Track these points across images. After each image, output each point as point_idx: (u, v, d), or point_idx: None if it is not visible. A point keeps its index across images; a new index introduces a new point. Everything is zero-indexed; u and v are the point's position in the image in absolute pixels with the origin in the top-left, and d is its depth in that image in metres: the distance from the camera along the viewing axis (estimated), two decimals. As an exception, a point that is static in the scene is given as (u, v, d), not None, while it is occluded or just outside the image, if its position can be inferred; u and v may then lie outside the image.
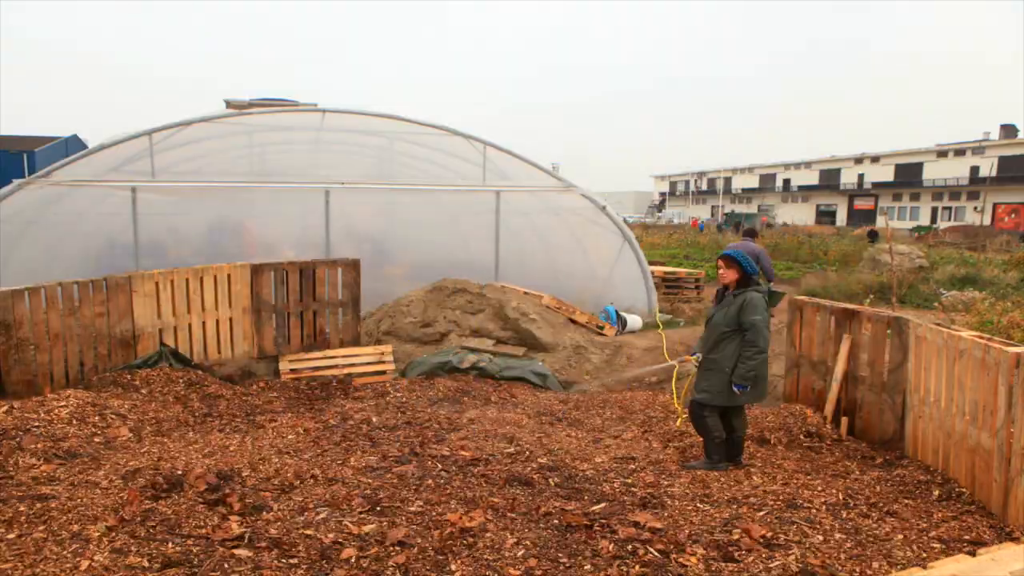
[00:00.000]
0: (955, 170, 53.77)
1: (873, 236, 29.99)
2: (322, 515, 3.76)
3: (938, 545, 3.54)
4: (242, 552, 3.30)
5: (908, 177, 57.83)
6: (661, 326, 10.01)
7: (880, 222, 52.81)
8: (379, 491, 4.14)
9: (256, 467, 4.52)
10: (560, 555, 3.38)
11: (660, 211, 75.48)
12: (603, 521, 3.75)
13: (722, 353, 4.68)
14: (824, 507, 4.01)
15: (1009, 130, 55.13)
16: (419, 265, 10.13)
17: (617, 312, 10.34)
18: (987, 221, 46.44)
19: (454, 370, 7.87)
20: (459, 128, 10.66)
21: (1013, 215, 48.72)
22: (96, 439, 5.13)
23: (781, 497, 4.15)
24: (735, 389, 4.61)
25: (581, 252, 11.21)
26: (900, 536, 3.64)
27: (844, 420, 5.50)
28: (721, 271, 4.84)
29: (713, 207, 74.65)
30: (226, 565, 3.17)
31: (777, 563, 3.29)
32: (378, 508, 3.90)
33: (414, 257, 10.37)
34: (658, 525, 3.68)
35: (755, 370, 4.55)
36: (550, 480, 4.48)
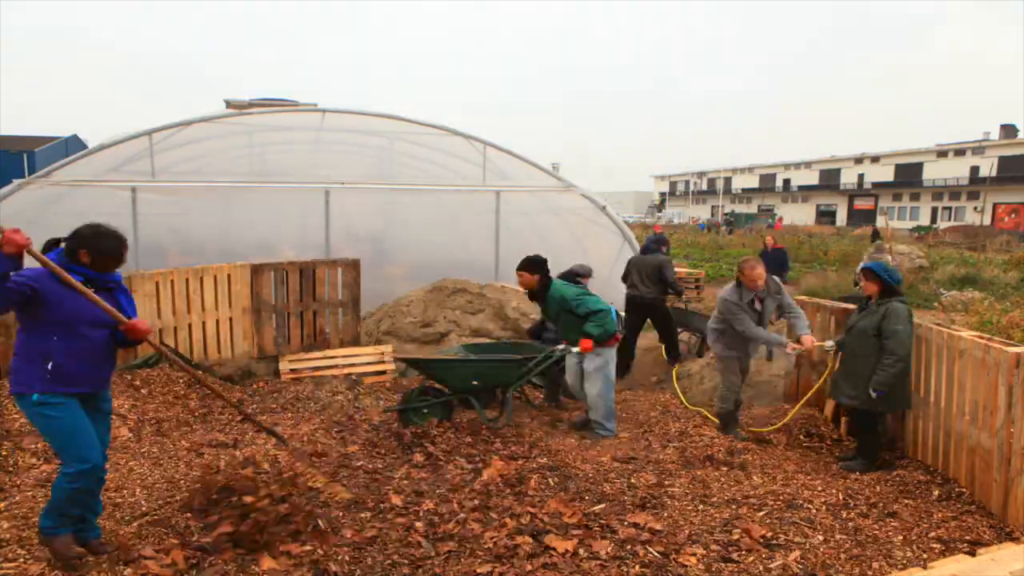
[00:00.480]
0: (955, 170, 53.75)
1: (875, 235, 29.89)
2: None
3: (938, 545, 3.55)
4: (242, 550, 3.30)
5: (908, 177, 57.80)
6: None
7: (880, 222, 52.74)
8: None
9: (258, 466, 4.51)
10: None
11: (660, 211, 75.42)
12: (603, 521, 3.75)
13: (866, 360, 4.75)
14: (824, 507, 4.01)
15: (1009, 130, 55.11)
16: (419, 265, 10.12)
17: (617, 312, 10.32)
18: (987, 221, 46.43)
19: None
20: (459, 128, 10.67)
21: (1013, 215, 48.71)
22: (96, 439, 5.12)
23: (781, 497, 4.15)
24: (872, 394, 4.66)
25: (581, 252, 11.19)
26: (900, 536, 3.64)
27: (844, 420, 5.50)
28: (863, 283, 5.02)
29: (713, 207, 74.60)
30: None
31: (777, 563, 3.29)
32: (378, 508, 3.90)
33: (414, 257, 10.36)
34: (658, 526, 3.68)
35: (894, 377, 4.63)
36: (550, 480, 4.47)
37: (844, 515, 3.90)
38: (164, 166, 9.35)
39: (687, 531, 3.64)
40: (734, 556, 3.36)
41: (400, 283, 9.80)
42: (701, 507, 4.01)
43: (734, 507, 4.00)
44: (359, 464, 4.71)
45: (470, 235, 10.74)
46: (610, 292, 11.00)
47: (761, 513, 3.90)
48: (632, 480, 4.46)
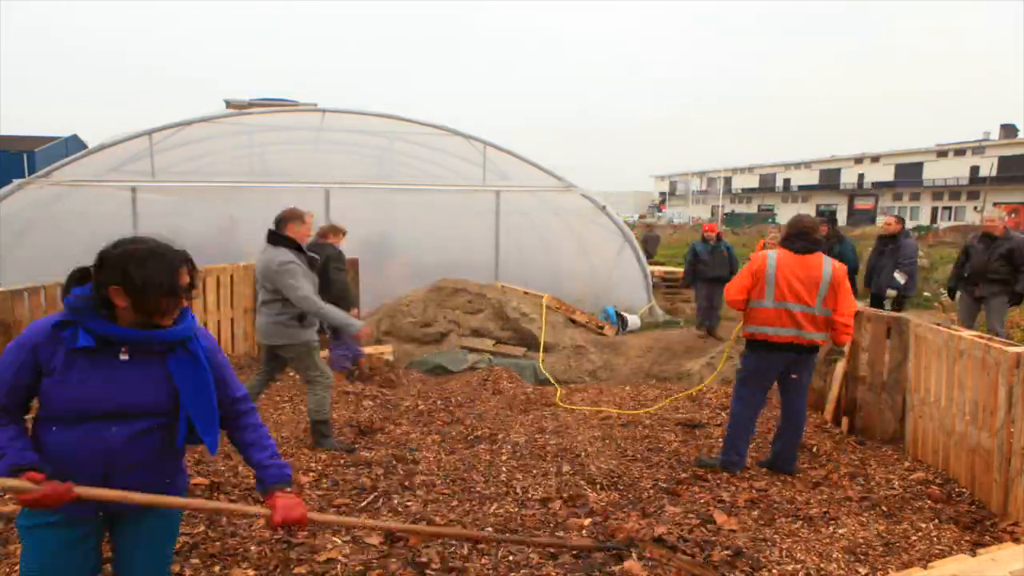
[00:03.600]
0: (955, 170, 53.72)
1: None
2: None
3: (938, 546, 3.54)
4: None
5: (908, 177, 57.79)
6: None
7: (880, 222, 52.68)
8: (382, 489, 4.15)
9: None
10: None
11: (660, 211, 75.36)
12: (601, 517, 3.75)
13: None
14: (823, 508, 4.01)
15: (1009, 130, 55.10)
16: (419, 265, 10.13)
17: (617, 312, 10.34)
18: (987, 221, 46.34)
19: (454, 370, 7.87)
20: (459, 128, 10.68)
21: (1013, 215, 48.70)
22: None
23: (780, 497, 4.15)
24: None
25: (581, 252, 11.21)
26: (900, 536, 3.64)
27: (844, 420, 5.50)
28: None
29: (713, 207, 74.60)
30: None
31: (778, 565, 3.29)
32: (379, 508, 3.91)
33: (414, 257, 10.37)
34: (659, 526, 3.68)
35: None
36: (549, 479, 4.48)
37: (844, 515, 3.90)
38: (164, 166, 9.35)
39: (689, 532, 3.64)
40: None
41: (400, 283, 9.81)
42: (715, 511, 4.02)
43: (734, 508, 4.01)
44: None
45: (470, 235, 10.74)
46: (611, 292, 11.06)
47: (757, 513, 3.91)
48: (631, 478, 4.46)
